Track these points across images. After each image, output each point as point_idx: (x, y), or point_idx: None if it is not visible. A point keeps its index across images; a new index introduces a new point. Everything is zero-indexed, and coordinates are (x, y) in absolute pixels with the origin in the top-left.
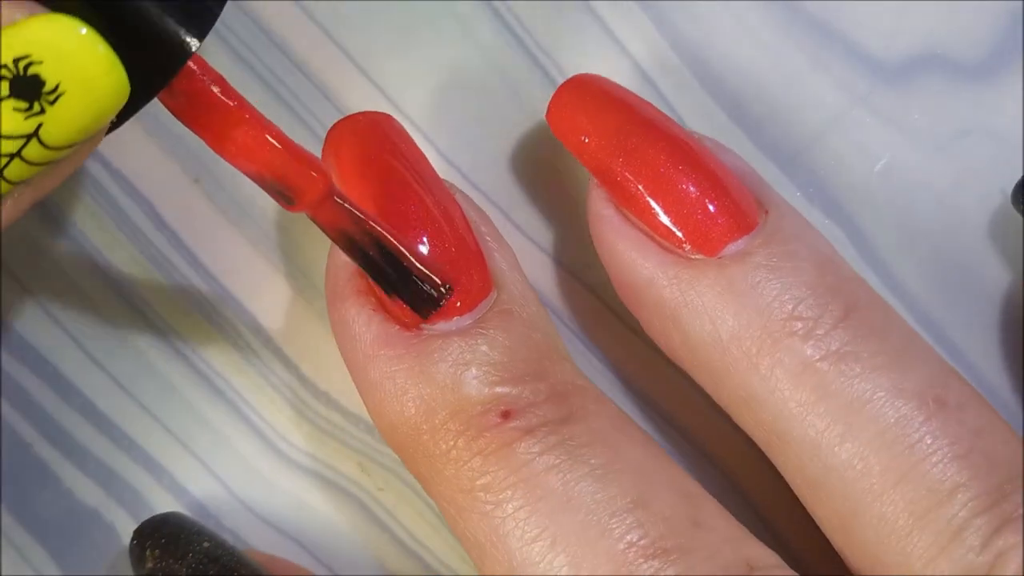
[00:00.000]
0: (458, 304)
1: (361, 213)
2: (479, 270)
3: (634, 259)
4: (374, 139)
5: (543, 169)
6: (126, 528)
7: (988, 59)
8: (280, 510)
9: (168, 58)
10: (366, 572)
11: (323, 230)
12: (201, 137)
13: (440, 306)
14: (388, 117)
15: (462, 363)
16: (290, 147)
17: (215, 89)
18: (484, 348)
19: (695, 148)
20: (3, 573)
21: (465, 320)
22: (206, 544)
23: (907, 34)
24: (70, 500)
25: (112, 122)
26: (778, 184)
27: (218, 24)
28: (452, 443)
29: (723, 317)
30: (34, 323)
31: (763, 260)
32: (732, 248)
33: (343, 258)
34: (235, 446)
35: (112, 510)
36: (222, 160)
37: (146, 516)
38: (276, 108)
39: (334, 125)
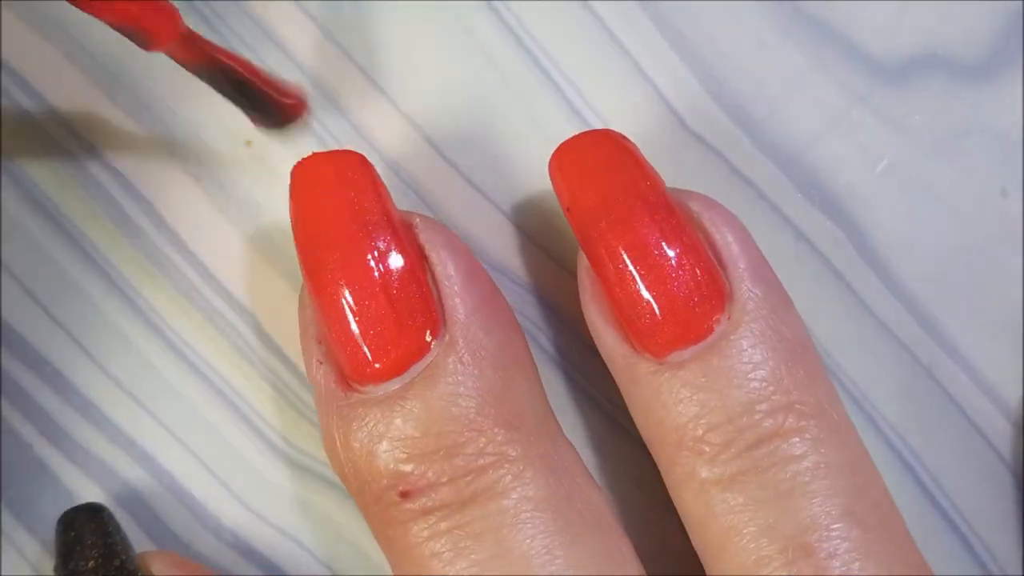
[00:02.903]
0: (377, 365)
1: (210, 48)
2: (409, 336)
3: (597, 325)
4: (324, 188)
5: (543, 169)
6: (126, 528)
7: (988, 59)
8: (280, 510)
9: None
10: (366, 572)
11: (182, 65)
12: None
13: (300, 115)
14: (355, 158)
15: (376, 436)
16: None
17: None
18: (398, 421)
19: (665, 243)
20: (3, 573)
21: (393, 384)
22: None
23: (907, 34)
24: (70, 500)
25: None
26: (778, 184)
27: (218, 23)
28: (370, 506)
29: (649, 417)
30: (34, 323)
31: (692, 377)
32: (675, 357)
33: (306, 300)
34: (235, 446)
35: (112, 510)
36: (222, 160)
37: (146, 516)
38: None
39: (300, 162)
